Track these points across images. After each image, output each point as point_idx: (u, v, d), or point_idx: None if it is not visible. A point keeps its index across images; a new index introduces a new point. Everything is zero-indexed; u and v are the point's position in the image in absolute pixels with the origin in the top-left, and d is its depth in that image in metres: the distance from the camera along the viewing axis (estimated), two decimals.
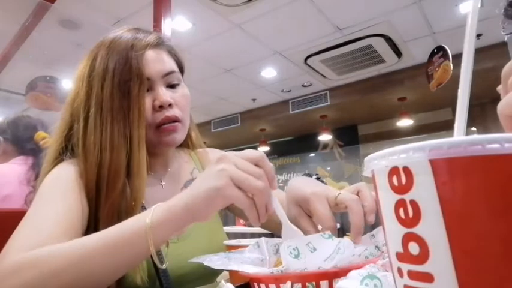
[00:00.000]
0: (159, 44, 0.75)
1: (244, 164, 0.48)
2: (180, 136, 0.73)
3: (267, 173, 0.49)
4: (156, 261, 0.50)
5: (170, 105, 0.71)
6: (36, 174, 1.54)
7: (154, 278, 0.64)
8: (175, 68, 0.76)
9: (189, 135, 0.85)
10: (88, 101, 0.68)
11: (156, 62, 0.72)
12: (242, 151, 0.51)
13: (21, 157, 1.60)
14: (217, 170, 0.47)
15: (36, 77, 2.91)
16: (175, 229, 0.49)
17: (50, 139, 1.67)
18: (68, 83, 3.08)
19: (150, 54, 0.71)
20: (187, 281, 0.70)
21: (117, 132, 0.65)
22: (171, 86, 0.74)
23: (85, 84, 0.69)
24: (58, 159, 0.70)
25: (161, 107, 0.70)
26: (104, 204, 0.63)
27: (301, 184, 0.62)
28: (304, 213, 0.60)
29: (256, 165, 0.49)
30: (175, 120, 0.71)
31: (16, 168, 1.54)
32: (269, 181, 0.49)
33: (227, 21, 3.61)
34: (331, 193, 0.57)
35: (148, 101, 0.70)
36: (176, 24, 3.54)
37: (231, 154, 0.50)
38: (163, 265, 0.55)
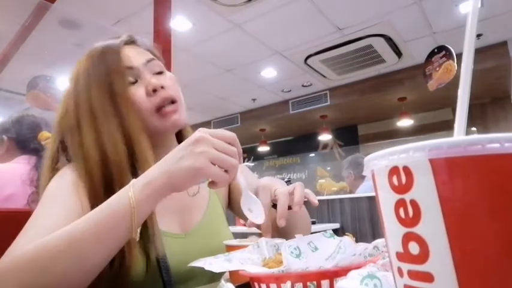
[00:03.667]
0: (133, 41, 0.79)
1: (221, 145, 0.55)
2: (181, 116, 0.75)
3: (237, 150, 0.58)
4: (135, 236, 0.53)
5: (162, 87, 0.73)
6: (39, 174, 1.53)
7: (157, 274, 0.65)
8: (154, 56, 0.79)
9: (185, 132, 0.86)
10: (77, 108, 0.70)
11: (135, 54, 0.76)
12: (217, 130, 0.58)
13: (24, 156, 1.60)
14: (199, 151, 0.53)
15: (36, 76, 2.91)
16: (155, 203, 0.54)
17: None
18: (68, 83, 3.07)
19: (126, 49, 0.75)
20: (191, 277, 0.70)
21: (113, 126, 0.68)
22: (157, 74, 0.76)
23: (72, 97, 0.72)
24: (54, 168, 0.72)
25: (155, 91, 0.72)
26: None
27: (261, 180, 0.73)
28: None
29: (229, 143, 0.57)
30: (172, 100, 0.74)
31: (19, 167, 1.54)
32: (238, 157, 0.58)
33: (227, 21, 3.61)
34: (274, 187, 0.68)
35: (140, 90, 0.72)
36: (176, 24, 3.54)
37: (208, 136, 0.55)
38: (137, 235, 0.56)
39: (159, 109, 0.72)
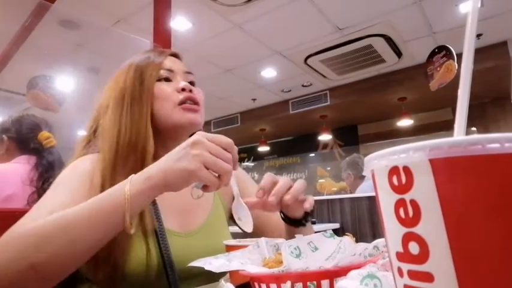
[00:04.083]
0: (178, 56, 0.88)
1: (216, 149, 0.57)
2: (199, 118, 0.80)
3: (234, 157, 0.59)
4: (128, 230, 0.55)
5: (191, 90, 0.79)
6: (39, 174, 1.53)
7: (162, 271, 0.67)
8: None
9: None
10: (112, 90, 0.79)
11: (178, 63, 0.85)
12: (214, 135, 0.59)
13: (24, 156, 1.60)
14: (192, 154, 0.55)
15: (36, 76, 2.90)
16: (150, 199, 0.57)
17: (53, 139, 1.67)
18: (68, 83, 3.07)
19: (170, 58, 0.85)
20: (193, 276, 0.72)
21: (135, 111, 0.75)
22: (190, 83, 0.83)
23: (110, 83, 0.81)
24: (83, 153, 0.77)
25: (183, 89, 0.78)
26: None
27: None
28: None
29: (225, 149, 0.58)
30: (196, 102, 0.79)
31: (19, 167, 1.54)
32: (234, 163, 0.59)
33: (227, 21, 3.61)
34: (279, 177, 0.72)
35: (170, 88, 0.79)
36: (176, 24, 3.54)
37: (205, 140, 0.57)
38: (132, 231, 0.58)
39: (181, 103, 0.77)
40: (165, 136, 0.79)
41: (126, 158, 0.70)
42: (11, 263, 0.51)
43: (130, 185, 0.55)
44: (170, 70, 0.81)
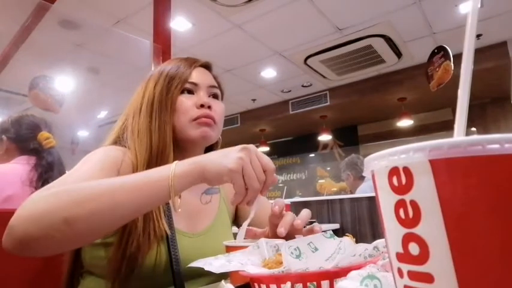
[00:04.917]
0: (208, 66, 0.91)
1: (257, 166, 0.60)
2: (212, 133, 0.82)
3: (267, 182, 0.61)
4: (176, 204, 0.58)
5: (209, 107, 0.82)
6: (38, 175, 1.53)
7: (169, 267, 0.70)
8: (218, 85, 0.90)
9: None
10: (143, 96, 0.83)
11: (205, 75, 0.87)
12: (263, 154, 0.62)
13: (24, 157, 1.60)
14: (237, 156, 0.58)
15: (36, 76, 2.91)
16: (190, 183, 0.59)
17: (53, 139, 1.67)
18: (68, 83, 3.07)
19: (199, 69, 0.87)
20: (199, 274, 0.74)
21: (164, 119, 0.79)
22: (213, 97, 0.87)
23: (143, 86, 0.85)
24: (116, 141, 0.82)
25: (202, 106, 0.81)
26: None
27: None
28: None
29: (264, 170, 0.61)
30: (212, 118, 0.82)
31: (19, 168, 1.54)
32: (264, 188, 0.61)
33: (227, 21, 3.61)
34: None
35: (190, 101, 0.82)
36: (176, 24, 3.54)
37: (253, 151, 0.60)
38: (178, 210, 0.62)
39: (196, 119, 0.80)
40: (182, 148, 0.82)
41: (155, 163, 0.74)
42: (46, 214, 0.52)
43: (175, 165, 0.59)
44: (195, 84, 0.84)
